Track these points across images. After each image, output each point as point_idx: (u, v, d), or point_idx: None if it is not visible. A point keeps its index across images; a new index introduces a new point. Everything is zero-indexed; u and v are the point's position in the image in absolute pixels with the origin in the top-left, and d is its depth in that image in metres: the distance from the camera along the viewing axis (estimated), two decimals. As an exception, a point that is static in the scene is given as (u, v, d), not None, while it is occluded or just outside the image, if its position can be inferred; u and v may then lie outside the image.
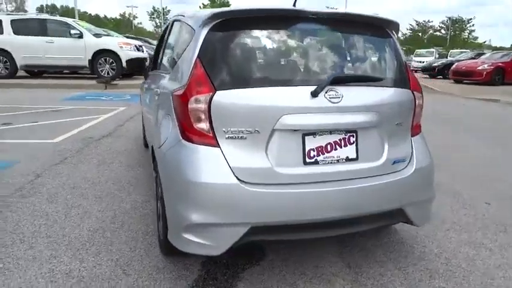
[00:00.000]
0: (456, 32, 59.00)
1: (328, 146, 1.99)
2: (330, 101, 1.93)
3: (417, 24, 63.20)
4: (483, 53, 19.07)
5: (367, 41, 2.22)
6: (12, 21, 11.90)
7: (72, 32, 11.79)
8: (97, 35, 12.29)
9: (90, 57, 11.78)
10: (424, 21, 63.37)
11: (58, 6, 60.79)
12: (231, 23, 2.00)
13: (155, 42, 15.08)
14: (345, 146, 2.01)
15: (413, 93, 2.24)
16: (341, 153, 2.01)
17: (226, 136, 1.88)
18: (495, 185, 3.83)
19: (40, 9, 55.52)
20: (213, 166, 1.87)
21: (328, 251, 2.48)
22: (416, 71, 23.49)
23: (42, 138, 5.19)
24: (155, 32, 57.76)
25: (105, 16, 68.34)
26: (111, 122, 6.48)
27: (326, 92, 1.93)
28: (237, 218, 1.87)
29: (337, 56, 2.15)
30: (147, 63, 4.22)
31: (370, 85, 2.10)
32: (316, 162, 1.97)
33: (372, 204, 2.06)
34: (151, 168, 2.87)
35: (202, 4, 57.65)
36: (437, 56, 25.84)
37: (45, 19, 12.60)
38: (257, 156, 1.89)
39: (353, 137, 2.03)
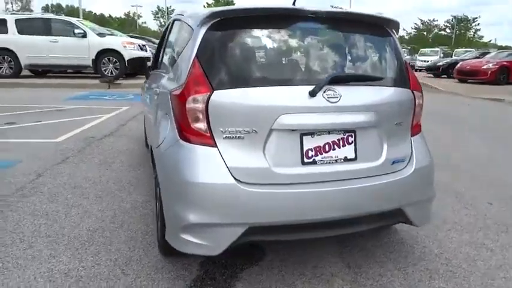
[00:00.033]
0: (461, 31, 58.63)
1: (327, 146, 1.97)
2: (328, 100, 1.91)
3: (422, 23, 62.90)
4: (488, 52, 18.92)
5: (366, 40, 2.20)
6: (17, 21, 11.97)
7: (76, 31, 11.84)
8: (101, 35, 12.34)
9: (93, 57, 11.84)
10: (429, 20, 63.12)
11: (63, 5, 61.14)
12: (229, 22, 1.99)
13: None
14: (344, 146, 2.00)
15: (413, 92, 2.22)
16: (339, 153, 2.00)
17: (224, 136, 1.87)
18: (497, 185, 3.80)
19: (45, 9, 55.82)
20: (210, 166, 1.86)
21: (328, 251, 2.46)
22: (420, 70, 23.46)
23: (45, 137, 5.21)
24: (159, 32, 57.85)
25: (110, 15, 68.60)
26: (113, 122, 6.50)
27: (324, 92, 1.92)
28: (235, 218, 1.86)
29: (336, 55, 2.14)
30: (148, 63, 4.21)
31: (369, 84, 2.08)
32: (314, 162, 1.96)
33: (371, 205, 2.05)
34: (152, 168, 2.87)
35: (207, 3, 57.68)
36: (442, 55, 25.70)
37: (50, 18, 12.67)
38: (255, 156, 1.88)
39: (351, 137, 2.01)
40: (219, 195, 1.85)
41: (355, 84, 2.04)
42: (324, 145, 1.97)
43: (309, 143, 1.94)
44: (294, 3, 2.27)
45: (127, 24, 58.54)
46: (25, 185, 3.45)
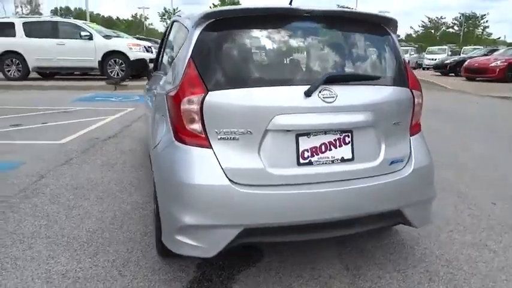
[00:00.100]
0: (470, 28, 57.94)
1: (323, 147, 1.95)
2: (323, 100, 1.89)
3: (429, 21, 62.31)
4: (496, 49, 18.65)
5: (363, 39, 2.18)
6: (25, 24, 12.12)
7: (83, 33, 11.94)
8: (107, 37, 12.42)
9: (100, 59, 11.91)
10: (437, 17, 62.50)
11: (72, 8, 61.77)
12: (224, 23, 1.98)
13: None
14: (340, 146, 1.98)
15: (411, 91, 2.18)
16: (336, 154, 1.97)
17: (219, 137, 1.86)
18: (502, 185, 3.74)
19: (54, 12, 56.45)
20: (205, 167, 1.86)
21: (327, 253, 2.44)
22: (428, 69, 23.25)
23: (50, 139, 5.26)
24: (166, 33, 57.98)
25: (118, 18, 69.12)
26: (118, 123, 6.54)
27: (320, 92, 1.90)
28: (230, 219, 1.85)
29: (332, 54, 2.12)
30: (151, 64, 4.23)
31: (366, 84, 2.06)
32: (310, 163, 1.94)
33: (369, 206, 2.02)
34: (151, 169, 2.87)
35: (213, 4, 57.83)
36: (449, 53, 25.41)
37: (56, 21, 12.78)
38: (250, 157, 1.87)
39: (348, 137, 1.99)
40: (213, 197, 1.84)
41: (352, 83, 2.02)
42: (320, 145, 1.95)
43: (305, 143, 1.92)
44: (290, 3, 2.25)
45: (134, 26, 58.91)
46: (28, 186, 3.48)
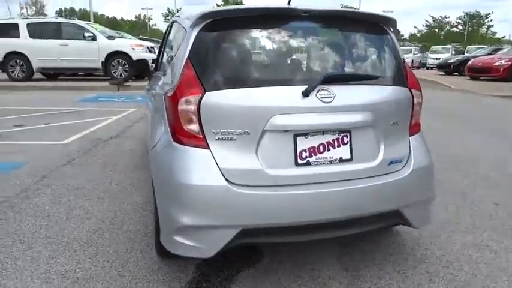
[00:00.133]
0: (474, 27, 57.58)
1: (321, 147, 1.94)
2: (321, 100, 1.89)
3: (433, 20, 61.98)
4: (500, 49, 18.51)
5: (362, 39, 2.16)
6: (28, 25, 12.20)
7: (86, 34, 11.98)
8: (110, 37, 12.47)
9: (103, 59, 11.96)
10: (441, 17, 62.14)
11: (76, 9, 62.09)
12: (221, 23, 1.97)
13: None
14: (338, 146, 1.97)
15: (411, 91, 2.17)
16: (334, 154, 1.96)
17: (216, 137, 1.86)
18: (505, 185, 3.71)
19: (59, 13, 56.80)
20: (202, 168, 1.85)
21: (326, 253, 2.43)
22: (432, 68, 23.13)
23: (52, 139, 5.28)
24: (169, 33, 58.10)
25: (122, 18, 69.37)
26: (120, 123, 6.56)
27: (318, 92, 1.89)
28: (227, 220, 1.84)
29: (330, 54, 2.11)
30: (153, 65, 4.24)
31: (365, 83, 2.05)
32: (308, 163, 1.93)
33: (368, 206, 2.01)
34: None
35: (216, 4, 57.93)
36: (453, 52, 25.26)
37: (60, 22, 12.86)
38: (247, 157, 1.86)
39: (347, 137, 1.98)
40: (211, 197, 1.84)
41: (350, 83, 2.01)
42: (318, 146, 1.94)
43: (303, 143, 1.92)
44: (289, 3, 2.24)
45: (138, 27, 59.11)
46: (29, 187, 3.50)
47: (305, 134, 1.91)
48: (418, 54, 28.11)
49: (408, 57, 25.95)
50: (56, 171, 3.97)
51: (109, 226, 2.77)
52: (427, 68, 25.22)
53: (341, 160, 1.98)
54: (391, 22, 2.23)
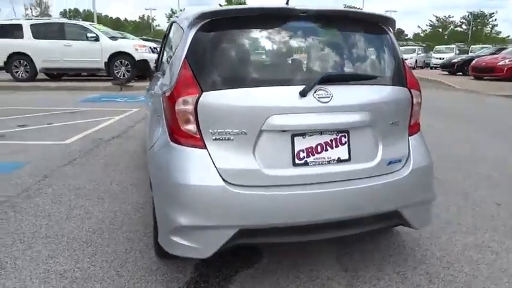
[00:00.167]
0: (478, 27, 57.24)
1: (319, 147, 1.93)
2: (319, 100, 1.88)
3: (437, 20, 61.71)
4: (504, 48, 18.40)
5: (360, 39, 2.15)
6: (32, 26, 12.28)
7: (89, 35, 12.05)
8: (113, 38, 12.52)
9: (106, 60, 12.01)
10: (445, 16, 61.87)
11: (81, 10, 62.43)
12: (219, 23, 1.97)
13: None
14: (337, 146, 1.96)
15: (410, 91, 2.15)
16: (332, 154, 1.95)
17: (213, 138, 1.85)
18: (507, 185, 3.68)
19: (63, 14, 57.14)
20: (199, 168, 1.85)
21: (326, 254, 2.42)
22: (436, 68, 23.03)
23: (55, 139, 5.31)
24: (172, 34, 58.19)
25: (126, 19, 69.68)
26: (122, 123, 6.58)
27: (315, 92, 1.88)
28: (224, 220, 1.84)
29: (328, 54, 2.10)
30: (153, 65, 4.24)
31: (363, 83, 2.04)
32: (306, 164, 1.92)
33: (366, 206, 2.00)
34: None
35: (219, 5, 57.97)
36: (457, 52, 25.14)
37: (63, 23, 12.93)
38: (245, 157, 1.86)
39: (345, 137, 1.97)
40: (208, 197, 1.83)
41: (348, 83, 2.00)
42: (316, 146, 1.93)
43: (301, 144, 1.91)
44: (287, 3, 2.23)
45: (141, 27, 59.30)
46: (30, 186, 3.51)
47: (303, 134, 1.90)
48: (422, 54, 27.98)
49: (412, 57, 25.83)
50: (57, 171, 3.98)
51: (109, 226, 2.78)
52: (431, 68, 25.12)
53: (339, 160, 1.97)
54: (390, 22, 2.22)
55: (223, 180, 1.83)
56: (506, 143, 5.46)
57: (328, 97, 1.89)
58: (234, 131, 1.84)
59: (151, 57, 12.12)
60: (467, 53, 22.51)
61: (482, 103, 9.68)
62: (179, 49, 2.06)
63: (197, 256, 1.95)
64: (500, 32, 58.32)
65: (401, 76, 2.17)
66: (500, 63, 14.31)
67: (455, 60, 18.23)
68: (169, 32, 3.10)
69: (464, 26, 59.06)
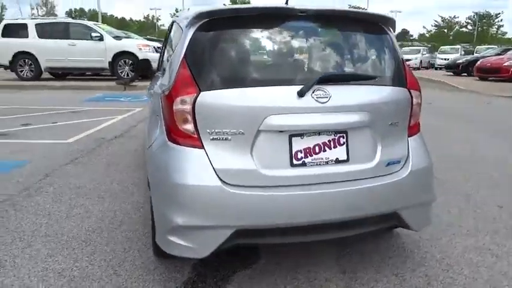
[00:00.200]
0: (483, 27, 56.86)
1: (317, 148, 1.92)
2: (317, 100, 1.87)
3: (442, 20, 61.37)
4: (510, 49, 18.25)
5: (359, 39, 2.14)
6: (37, 25, 12.35)
7: (93, 34, 12.10)
8: (117, 38, 12.56)
9: (110, 59, 12.05)
10: (450, 17, 61.54)
11: (86, 10, 62.77)
12: (217, 23, 1.97)
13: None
14: (335, 147, 1.95)
15: (409, 91, 2.14)
16: (330, 155, 1.94)
17: (211, 137, 1.85)
18: (510, 187, 3.65)
19: (69, 14, 57.47)
20: (196, 168, 1.85)
21: (325, 255, 2.41)
22: (440, 69, 22.89)
23: (57, 138, 5.33)
24: (177, 34, 58.26)
25: (131, 19, 69.95)
26: (125, 123, 6.60)
27: (313, 92, 1.87)
28: (221, 220, 1.84)
29: (326, 54, 2.09)
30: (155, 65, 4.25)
31: (362, 84, 2.02)
32: (303, 164, 1.91)
33: (364, 208, 1.98)
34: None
35: (224, 5, 57.92)
36: (462, 52, 24.99)
37: (68, 23, 13.00)
38: (242, 157, 1.85)
39: (343, 137, 1.96)
40: (205, 197, 1.83)
41: (347, 83, 1.99)
42: (314, 146, 1.92)
43: (298, 144, 1.90)
44: (286, 2, 2.22)
45: (146, 27, 59.46)
46: (32, 185, 3.53)
47: (300, 135, 1.90)
48: (427, 55, 27.84)
49: (416, 58, 25.72)
50: (59, 170, 4.00)
51: (108, 225, 2.78)
52: (436, 69, 24.98)
53: (337, 161, 1.95)
54: (390, 22, 2.20)
55: (221, 180, 1.83)
56: (506, 143, 5.42)
57: (327, 97, 1.88)
58: (232, 131, 1.83)
59: (155, 57, 12.17)
60: (473, 54, 22.37)
61: (486, 104, 9.60)
62: (178, 49, 2.06)
63: (194, 256, 1.95)
64: (506, 33, 57.94)
65: (401, 76, 2.16)
66: (505, 64, 14.20)
67: (460, 61, 18.12)
68: (170, 31, 3.11)
69: (469, 27, 58.71)
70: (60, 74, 13.57)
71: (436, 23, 62.09)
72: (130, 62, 12.02)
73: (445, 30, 60.73)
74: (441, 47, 28.90)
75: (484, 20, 56.95)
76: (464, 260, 2.38)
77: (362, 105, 1.97)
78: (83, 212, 3.00)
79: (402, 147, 2.12)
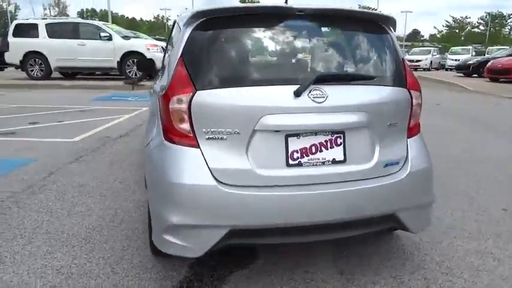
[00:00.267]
0: (496, 28, 56.01)
1: (313, 148, 1.91)
2: (313, 100, 1.85)
3: (454, 21, 60.67)
4: (522, 50, 17.96)
5: (359, 38, 2.12)
6: (47, 25, 12.52)
7: (102, 34, 12.22)
8: (125, 37, 12.66)
9: (119, 59, 12.16)
10: (461, 17, 60.79)
11: (98, 10, 63.49)
12: (214, 22, 1.97)
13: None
14: (332, 147, 1.93)
15: (409, 92, 2.11)
16: (327, 155, 1.93)
17: (207, 137, 1.85)
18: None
19: (80, 14, 58.20)
20: (192, 167, 1.85)
21: (323, 256, 2.39)
22: (451, 70, 22.61)
23: (63, 137, 5.39)
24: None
25: (141, 19, 70.55)
26: (131, 122, 6.65)
27: (310, 92, 1.86)
28: (216, 220, 1.83)
29: (325, 53, 2.08)
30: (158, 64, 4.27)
31: (360, 84, 2.01)
32: (299, 164, 1.90)
33: (361, 209, 1.96)
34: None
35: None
36: (474, 53, 24.64)
37: (78, 23, 13.14)
38: (237, 157, 1.85)
39: (340, 138, 1.94)
40: (200, 197, 1.83)
41: (344, 83, 1.97)
42: (311, 146, 1.91)
43: (294, 144, 1.89)
44: (286, 2, 2.22)
45: (156, 27, 59.90)
46: (36, 183, 3.57)
47: (297, 135, 1.88)
48: (437, 55, 27.53)
49: (426, 58, 25.45)
50: (63, 168, 4.04)
51: (108, 223, 2.80)
52: (446, 70, 24.69)
53: (334, 161, 1.94)
54: (390, 21, 2.17)
55: (216, 179, 1.83)
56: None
57: (323, 97, 1.87)
58: (227, 131, 1.83)
59: (162, 57, 12.20)
60: (484, 55, 22.06)
61: (490, 104, 9.45)
62: (176, 48, 2.07)
63: (189, 255, 1.95)
64: (519, 33, 57.01)
65: (401, 77, 2.13)
66: (517, 65, 13.97)
67: (470, 62, 17.87)
68: (172, 31, 3.12)
69: (481, 27, 57.93)
70: (70, 73, 13.73)
71: (448, 24, 61.42)
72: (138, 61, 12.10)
73: (457, 31, 60.00)
74: (452, 48, 28.55)
75: (497, 21, 56.11)
76: (465, 264, 2.35)
77: (360, 106, 1.95)
78: (85, 210, 3.03)
79: (401, 148, 2.10)
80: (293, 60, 2.05)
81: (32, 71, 12.56)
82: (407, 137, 2.14)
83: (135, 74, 12.22)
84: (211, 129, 1.84)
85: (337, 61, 2.10)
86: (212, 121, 1.84)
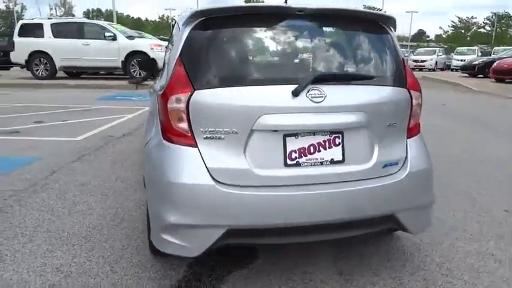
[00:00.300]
0: (502, 28, 55.55)
1: (311, 148, 1.91)
2: (311, 100, 1.85)
3: (460, 21, 60.28)
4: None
5: (358, 38, 2.11)
6: (52, 25, 12.60)
7: (107, 34, 12.29)
8: (130, 37, 12.71)
9: (123, 59, 12.20)
10: (467, 17, 60.38)
11: (103, 10, 63.85)
12: (213, 22, 1.96)
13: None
14: (330, 147, 1.93)
15: (409, 92, 2.10)
16: (325, 155, 1.92)
17: (204, 136, 1.85)
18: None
19: (86, 14, 58.59)
20: (189, 166, 1.85)
21: (322, 257, 2.39)
22: (456, 70, 22.47)
23: (67, 136, 5.43)
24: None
25: (146, 19, 70.88)
26: (134, 121, 6.67)
27: (308, 91, 1.85)
28: (213, 219, 1.83)
29: (324, 53, 2.07)
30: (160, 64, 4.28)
31: (358, 84, 2.00)
32: (298, 164, 1.89)
33: (360, 209, 1.96)
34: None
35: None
36: (479, 53, 24.46)
37: (82, 23, 13.23)
38: (235, 157, 1.85)
39: (339, 138, 1.93)
40: (197, 196, 1.83)
41: (343, 83, 1.96)
42: (309, 146, 1.90)
43: (293, 144, 1.88)
44: (286, 1, 2.21)
45: (161, 27, 60.08)
46: (38, 182, 3.59)
47: (295, 135, 1.88)
48: (443, 56, 27.37)
49: (432, 59, 25.31)
50: (65, 167, 4.06)
51: (109, 222, 2.81)
52: (452, 70, 24.54)
53: (332, 161, 1.93)
54: (390, 21, 2.16)
55: (213, 179, 1.83)
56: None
57: (322, 97, 1.86)
58: (225, 130, 1.83)
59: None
60: (490, 55, 21.89)
61: (494, 105, 9.37)
62: (175, 47, 2.07)
63: (187, 255, 1.95)
64: (526, 34, 56.48)
65: (400, 77, 2.12)
66: (523, 66, 13.86)
67: (476, 62, 17.75)
68: (172, 31, 3.13)
69: (487, 27, 57.50)
70: (75, 73, 13.81)
71: (453, 24, 61.04)
72: (143, 61, 12.14)
73: (463, 31, 59.61)
74: (457, 48, 28.37)
75: (503, 21, 55.66)
76: (465, 265, 2.33)
77: (359, 106, 1.94)
78: (86, 208, 3.04)
79: (400, 149, 2.08)
80: (292, 60, 2.04)
81: (37, 70, 12.65)
82: (407, 137, 2.12)
83: (139, 74, 12.24)
84: (209, 129, 1.84)
85: (336, 61, 2.09)
86: (210, 121, 1.84)
